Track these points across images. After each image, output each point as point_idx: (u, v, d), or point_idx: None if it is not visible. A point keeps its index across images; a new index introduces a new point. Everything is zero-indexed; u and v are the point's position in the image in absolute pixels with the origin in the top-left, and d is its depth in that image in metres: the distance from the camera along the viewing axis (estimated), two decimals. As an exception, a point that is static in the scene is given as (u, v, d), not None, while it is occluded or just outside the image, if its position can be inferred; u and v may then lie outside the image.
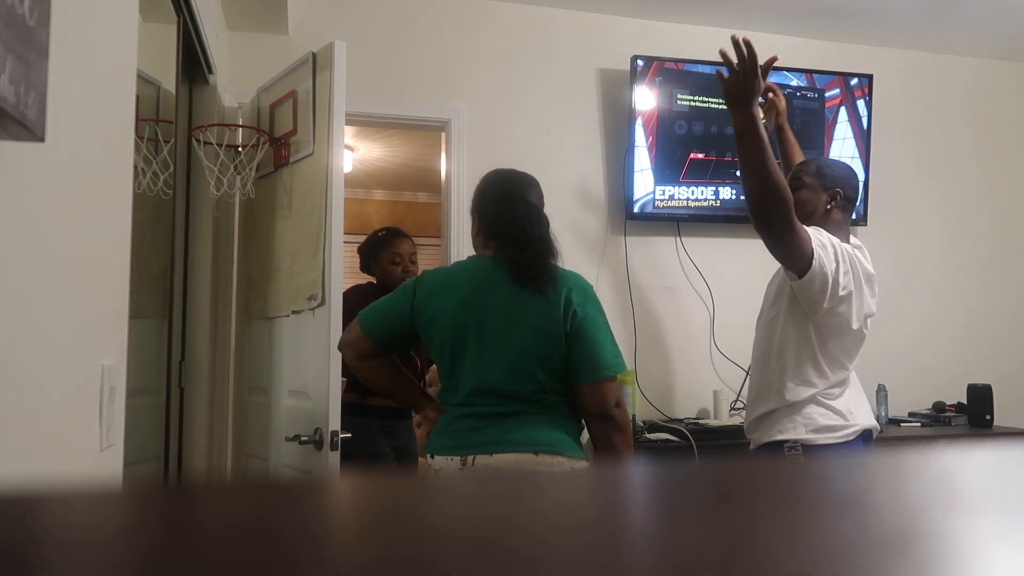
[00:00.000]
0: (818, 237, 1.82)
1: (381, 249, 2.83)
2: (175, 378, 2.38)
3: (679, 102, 3.16)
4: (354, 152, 5.22)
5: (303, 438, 2.18)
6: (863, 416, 1.97)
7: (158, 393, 2.13)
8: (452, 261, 2.75)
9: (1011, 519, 0.23)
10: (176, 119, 2.14)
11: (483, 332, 1.70)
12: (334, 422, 2.12)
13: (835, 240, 1.89)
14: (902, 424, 3.20)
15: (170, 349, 2.23)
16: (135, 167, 1.28)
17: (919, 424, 3.20)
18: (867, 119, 3.36)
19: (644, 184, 3.12)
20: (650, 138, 3.13)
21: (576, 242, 3.08)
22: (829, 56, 3.45)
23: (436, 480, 0.27)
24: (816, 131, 3.31)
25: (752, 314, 2.13)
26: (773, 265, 1.97)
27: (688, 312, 3.24)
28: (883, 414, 3.19)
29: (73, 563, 0.19)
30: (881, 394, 3.22)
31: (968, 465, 0.30)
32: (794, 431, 1.89)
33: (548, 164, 2.95)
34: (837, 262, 1.84)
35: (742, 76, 1.70)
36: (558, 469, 1.33)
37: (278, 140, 2.54)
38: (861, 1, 3.17)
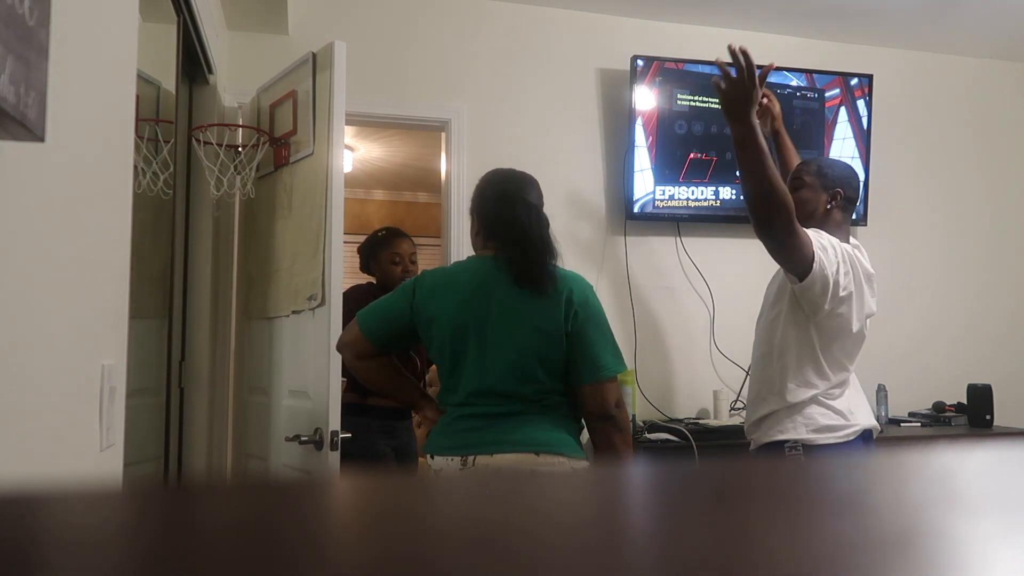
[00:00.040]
0: (818, 240, 1.82)
1: (381, 249, 2.83)
2: (175, 378, 2.38)
3: (679, 102, 3.16)
4: (354, 152, 5.22)
5: (303, 438, 2.18)
6: (863, 416, 1.97)
7: (158, 393, 2.13)
8: (452, 261, 2.75)
9: (1011, 519, 0.23)
10: (176, 119, 2.14)
11: (483, 332, 1.70)
12: (334, 422, 2.12)
13: (835, 241, 1.89)
14: (902, 424, 3.20)
15: (170, 349, 2.23)
16: (135, 167, 1.28)
17: (919, 424, 3.20)
18: (867, 119, 3.36)
19: (644, 184, 3.12)
20: (650, 138, 3.13)
21: (576, 242, 3.08)
22: (829, 56, 3.45)
23: (436, 480, 0.27)
24: (816, 131, 3.31)
25: (752, 314, 2.13)
26: (773, 265, 1.97)
27: (688, 312, 3.24)
28: (883, 414, 3.19)
29: (73, 563, 0.19)
30: (881, 394, 3.22)
31: (968, 465, 0.30)
32: (795, 431, 1.89)
33: (548, 164, 2.95)
34: (838, 263, 1.84)
35: (739, 86, 1.69)
36: (559, 469, 1.33)
37: (278, 140, 2.54)
38: (861, 1, 3.17)
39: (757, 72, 1.71)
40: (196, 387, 2.59)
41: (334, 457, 2.11)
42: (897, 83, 3.54)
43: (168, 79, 2.05)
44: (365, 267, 2.92)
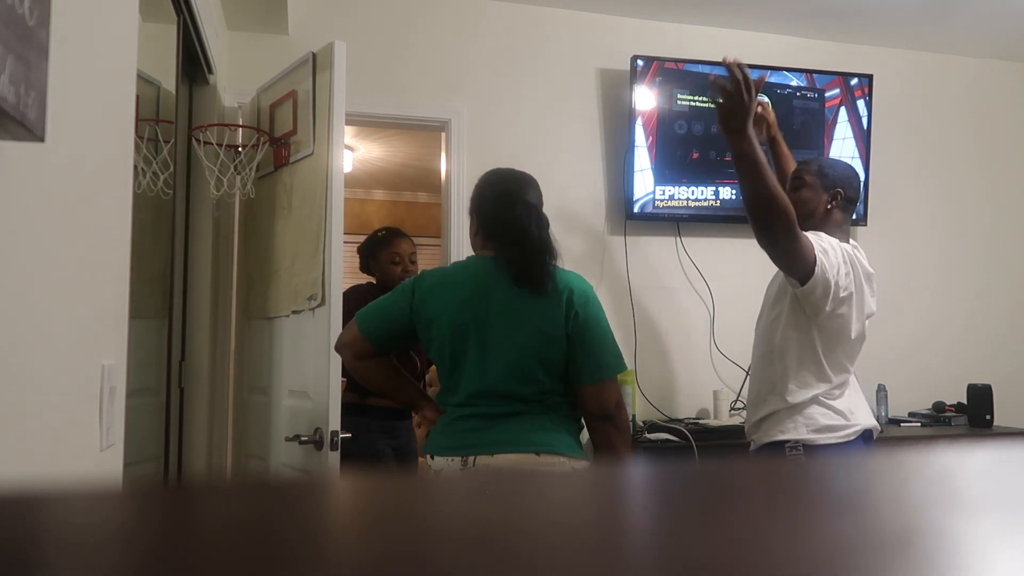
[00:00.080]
0: (819, 243, 1.82)
1: (381, 249, 2.83)
2: (175, 378, 2.38)
3: (679, 102, 3.16)
4: (354, 152, 5.22)
5: (303, 438, 2.18)
6: (864, 416, 1.97)
7: (158, 393, 2.13)
8: (452, 261, 2.74)
9: (1011, 519, 0.23)
10: (176, 119, 2.14)
11: (484, 333, 1.70)
12: (334, 422, 2.12)
13: (835, 242, 1.89)
14: (902, 424, 3.20)
15: (170, 349, 2.23)
16: (135, 167, 1.28)
17: (919, 424, 3.20)
18: (867, 119, 3.36)
19: (644, 184, 3.12)
20: (650, 138, 3.13)
21: (576, 242, 3.08)
22: (829, 56, 3.45)
23: (436, 480, 0.27)
24: (816, 131, 3.31)
25: (752, 314, 2.13)
26: (773, 266, 1.97)
27: (688, 312, 3.23)
28: (883, 414, 3.19)
29: (73, 563, 0.19)
30: (881, 394, 3.22)
31: (968, 465, 0.30)
32: (795, 431, 1.89)
33: (548, 164, 2.96)
34: (839, 265, 1.84)
35: (736, 99, 1.70)
36: (559, 469, 1.33)
37: (278, 140, 2.54)
38: (861, 1, 3.17)
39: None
40: (196, 387, 2.59)
41: (334, 457, 2.11)
42: (897, 83, 3.54)
43: (168, 79, 2.05)
44: (365, 267, 2.92)
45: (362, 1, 3.03)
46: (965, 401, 3.25)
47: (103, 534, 0.22)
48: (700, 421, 3.03)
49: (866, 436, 1.95)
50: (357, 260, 2.95)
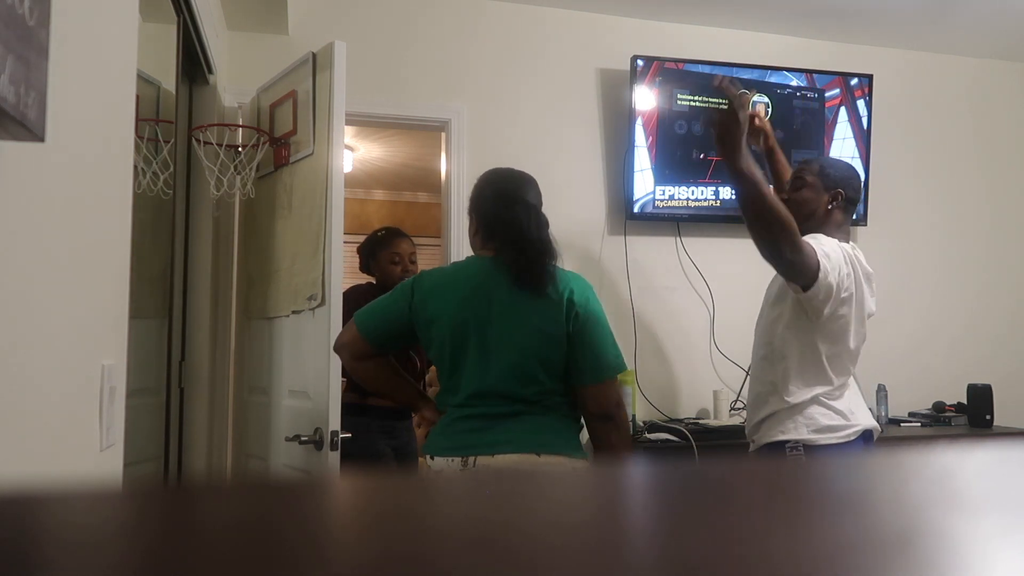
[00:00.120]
0: (820, 247, 1.82)
1: (380, 249, 2.83)
2: (175, 378, 2.38)
3: (679, 102, 3.16)
4: (354, 152, 5.22)
5: (303, 438, 2.18)
6: (864, 417, 1.96)
7: (158, 393, 2.13)
8: (452, 261, 2.74)
9: (1011, 519, 0.23)
10: (176, 119, 2.14)
11: (484, 334, 1.70)
12: (334, 422, 2.12)
13: (834, 243, 1.89)
14: (902, 424, 3.20)
15: (170, 349, 2.23)
16: (135, 167, 1.28)
17: (919, 424, 3.20)
18: (867, 119, 3.36)
19: (644, 184, 3.12)
20: (650, 138, 3.13)
21: (576, 242, 3.08)
22: (829, 56, 3.45)
23: (436, 480, 0.27)
24: (816, 131, 3.31)
25: (752, 314, 2.13)
26: (773, 266, 1.97)
27: (688, 312, 3.23)
28: (883, 414, 3.19)
29: (73, 563, 0.19)
30: (881, 394, 3.22)
31: (968, 465, 0.30)
32: (796, 431, 1.89)
33: (548, 164, 2.95)
34: (840, 266, 1.83)
35: (731, 117, 1.72)
36: (559, 469, 1.32)
37: (278, 140, 2.54)
38: (861, 1, 3.17)
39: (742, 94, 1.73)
40: (196, 387, 2.59)
41: (334, 457, 2.11)
42: (897, 83, 3.54)
43: (168, 79, 2.05)
44: (365, 267, 2.92)
45: (362, 1, 3.03)
46: (965, 401, 3.25)
47: (103, 534, 0.22)
48: (700, 421, 3.03)
49: (866, 436, 1.95)
50: (357, 260, 2.94)
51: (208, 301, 2.64)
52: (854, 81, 3.35)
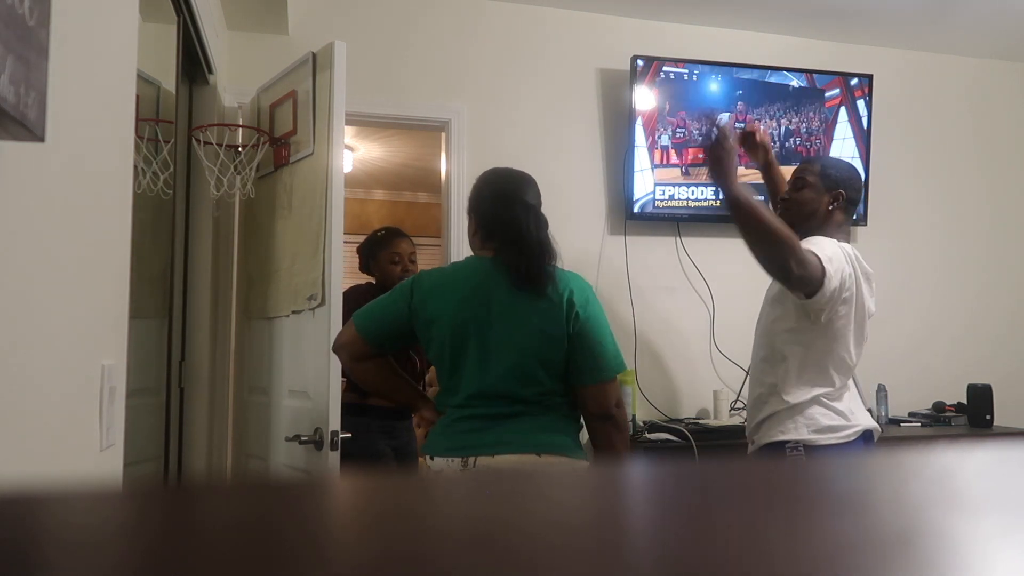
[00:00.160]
0: (822, 252, 1.81)
1: (380, 249, 2.83)
2: (175, 378, 2.38)
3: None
4: (354, 152, 5.22)
5: (303, 438, 2.18)
6: (864, 417, 1.96)
7: (158, 393, 2.13)
8: (452, 261, 2.74)
9: (1011, 519, 0.23)
10: (176, 119, 2.14)
11: (485, 334, 1.69)
12: (334, 422, 2.12)
13: (833, 244, 1.88)
14: (902, 424, 3.20)
15: (170, 349, 2.23)
16: (135, 167, 1.28)
17: (919, 424, 3.20)
18: (867, 119, 3.36)
19: (644, 184, 3.12)
20: (650, 138, 3.13)
21: (576, 242, 3.08)
22: (829, 56, 3.45)
23: (436, 480, 0.27)
24: (816, 131, 3.31)
25: (752, 314, 2.13)
26: (773, 266, 1.97)
27: (688, 312, 3.23)
28: (883, 414, 3.19)
29: (73, 563, 0.19)
30: (881, 394, 3.22)
31: (968, 465, 0.30)
32: (796, 431, 1.89)
33: (548, 164, 2.95)
34: (842, 267, 1.83)
35: (719, 147, 1.77)
36: (559, 470, 1.32)
37: (278, 140, 2.54)
38: (861, 1, 3.17)
39: (738, 127, 1.79)
40: (196, 387, 2.59)
41: (334, 457, 2.11)
42: (897, 83, 3.54)
43: (168, 79, 2.05)
44: (364, 267, 2.92)
45: (362, 1, 3.03)
46: (965, 401, 3.25)
47: (103, 534, 0.22)
48: (700, 421, 3.03)
49: (867, 437, 1.94)
50: (357, 260, 2.94)
51: (208, 301, 2.64)
52: (854, 81, 3.35)
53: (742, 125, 3.19)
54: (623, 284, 3.16)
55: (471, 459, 1.65)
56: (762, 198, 2.38)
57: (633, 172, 3.10)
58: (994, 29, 3.43)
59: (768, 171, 2.29)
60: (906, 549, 0.20)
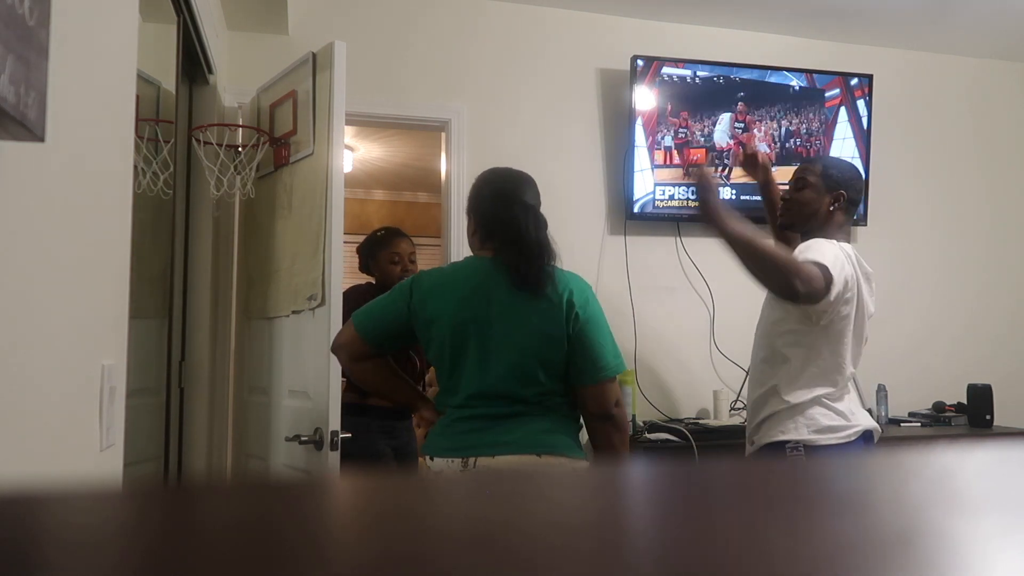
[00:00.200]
0: (823, 257, 1.81)
1: (380, 249, 2.83)
2: (175, 378, 2.38)
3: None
4: (354, 152, 5.22)
5: (303, 438, 2.18)
6: (864, 417, 1.96)
7: (158, 393, 2.13)
8: (452, 261, 2.74)
9: (1011, 519, 0.22)
10: (176, 119, 2.14)
11: (484, 335, 1.69)
12: (334, 422, 2.12)
13: (832, 245, 1.88)
14: (902, 424, 3.20)
15: (170, 349, 2.23)
16: (135, 167, 1.28)
17: (919, 424, 3.20)
18: (867, 119, 3.36)
19: (644, 184, 3.12)
20: (650, 138, 3.13)
21: (576, 242, 3.08)
22: (829, 56, 3.45)
23: (436, 480, 0.27)
24: (816, 131, 3.31)
25: (752, 314, 2.13)
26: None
27: (688, 312, 3.23)
28: (883, 414, 3.19)
29: (73, 563, 0.19)
30: (881, 394, 3.22)
31: (968, 465, 0.30)
32: (796, 432, 1.88)
33: (548, 164, 2.96)
34: (843, 269, 1.83)
35: (704, 197, 1.81)
36: (559, 470, 1.32)
37: (278, 140, 2.54)
38: (861, 1, 3.17)
39: (738, 127, 1.82)
40: (196, 387, 2.59)
41: (334, 457, 2.11)
42: (897, 83, 3.54)
43: (168, 79, 2.05)
44: (364, 267, 2.92)
45: (362, 1, 3.03)
46: (965, 401, 3.25)
47: (103, 534, 0.22)
48: (700, 421, 3.03)
49: (867, 437, 1.94)
50: (357, 260, 2.94)
51: (208, 301, 2.64)
52: (854, 81, 3.35)
53: (742, 125, 3.19)
54: (623, 284, 3.16)
55: (471, 459, 1.65)
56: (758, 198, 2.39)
57: (633, 172, 3.10)
58: (994, 29, 3.43)
59: (766, 190, 2.32)
60: (906, 549, 0.20)
